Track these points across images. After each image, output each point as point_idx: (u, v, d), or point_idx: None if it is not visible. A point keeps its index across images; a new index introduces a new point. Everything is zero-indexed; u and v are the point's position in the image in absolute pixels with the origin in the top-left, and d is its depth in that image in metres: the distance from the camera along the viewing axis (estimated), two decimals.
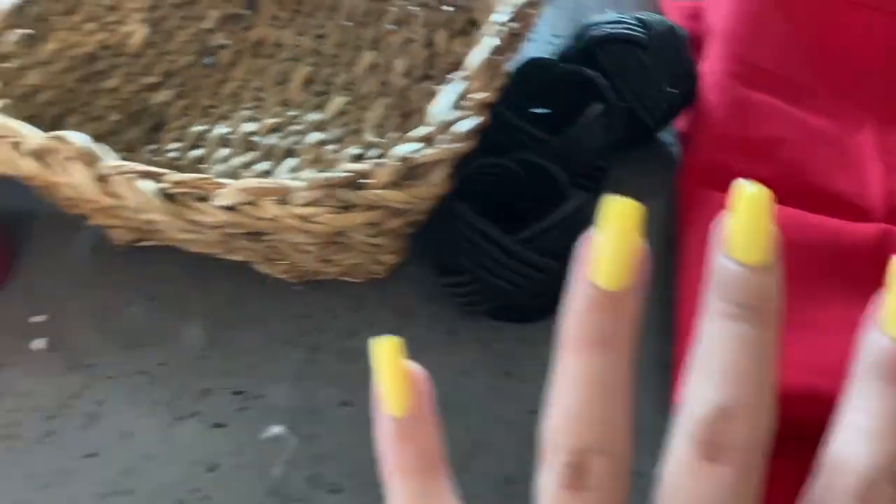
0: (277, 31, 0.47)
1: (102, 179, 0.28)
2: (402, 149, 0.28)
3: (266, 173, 0.38)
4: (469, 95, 0.30)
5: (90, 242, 0.38)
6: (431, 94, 0.42)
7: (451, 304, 0.35)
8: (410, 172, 0.28)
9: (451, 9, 0.48)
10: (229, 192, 0.27)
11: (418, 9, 0.48)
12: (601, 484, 0.17)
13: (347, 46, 0.46)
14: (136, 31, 0.41)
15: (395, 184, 0.28)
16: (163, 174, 0.28)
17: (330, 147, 0.40)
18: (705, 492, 0.17)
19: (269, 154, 0.39)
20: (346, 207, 0.27)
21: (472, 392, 0.33)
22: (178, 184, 0.28)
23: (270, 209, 0.27)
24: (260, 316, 0.35)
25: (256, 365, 0.34)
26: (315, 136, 0.40)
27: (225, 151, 0.40)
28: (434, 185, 0.28)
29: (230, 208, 0.27)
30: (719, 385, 0.17)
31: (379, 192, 0.27)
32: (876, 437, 0.16)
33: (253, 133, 0.40)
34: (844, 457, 0.17)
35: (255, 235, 0.29)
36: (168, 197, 0.28)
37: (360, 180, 0.28)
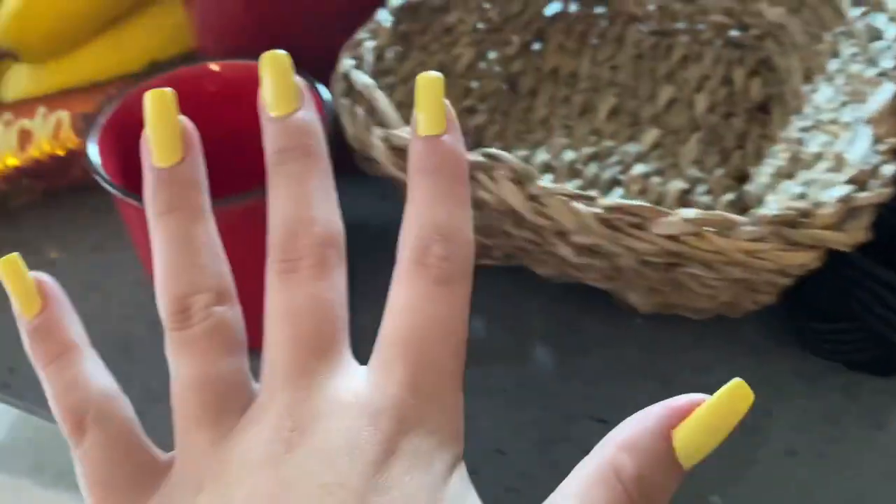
0: (570, 61, 0.47)
1: (534, 199, 0.28)
2: (837, 191, 0.28)
3: None
4: (887, 140, 0.30)
5: None
6: (743, 133, 0.42)
7: (803, 346, 0.34)
8: (848, 214, 0.27)
9: (737, 47, 0.47)
10: (675, 221, 0.27)
11: (706, 46, 0.48)
12: (204, 316, 0.19)
13: (643, 79, 0.46)
14: (464, 54, 0.42)
15: (836, 225, 0.27)
16: (594, 198, 0.28)
17: (655, 180, 0.40)
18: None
19: (594, 183, 0.40)
20: (791, 245, 0.27)
21: (842, 443, 0.32)
22: (614, 209, 0.28)
23: (716, 242, 0.27)
24: (605, 342, 0.35)
25: (613, 393, 0.34)
26: (639, 168, 0.40)
27: (549, 178, 0.40)
28: (861, 230, 0.28)
29: (672, 237, 0.27)
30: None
31: (821, 232, 0.27)
32: (417, 212, 0.20)
33: (574, 161, 0.40)
34: (403, 237, 0.20)
35: (669, 266, 0.29)
36: (604, 221, 0.28)
37: (801, 219, 0.27)
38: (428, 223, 0.20)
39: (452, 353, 0.19)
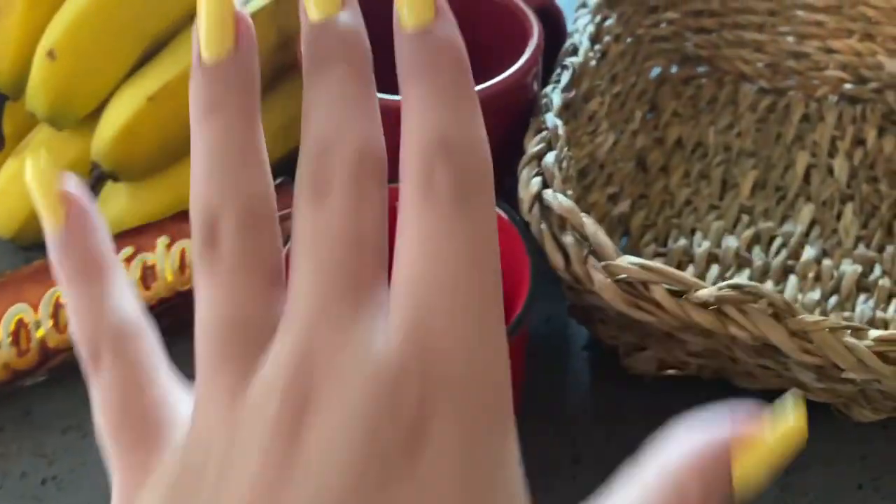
0: (691, 130, 0.45)
1: (798, 335, 0.26)
2: None
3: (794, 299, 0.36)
4: None
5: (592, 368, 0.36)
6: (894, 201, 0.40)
7: None
8: None
9: (854, 101, 0.46)
10: None
11: (823, 103, 0.46)
12: (235, 237, 0.16)
13: (771, 144, 0.44)
14: (606, 140, 0.39)
15: None
16: (865, 329, 0.26)
17: (826, 263, 0.37)
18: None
19: (766, 273, 0.37)
20: None
21: None
22: (887, 341, 0.25)
23: None
24: (819, 456, 0.33)
25: None
26: (809, 252, 0.38)
27: (715, 269, 0.37)
28: None
29: None
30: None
31: None
32: (415, 126, 0.16)
33: (738, 248, 0.38)
34: (402, 160, 0.16)
35: None
36: (878, 355, 0.25)
37: None
38: (429, 136, 0.16)
39: (481, 291, 0.15)
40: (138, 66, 0.38)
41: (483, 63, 0.33)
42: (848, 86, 0.46)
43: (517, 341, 0.28)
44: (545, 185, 0.30)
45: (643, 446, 0.33)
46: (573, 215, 0.29)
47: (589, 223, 0.28)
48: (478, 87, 0.32)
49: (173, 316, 0.37)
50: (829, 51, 0.46)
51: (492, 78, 0.33)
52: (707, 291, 0.26)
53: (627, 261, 0.27)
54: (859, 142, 0.44)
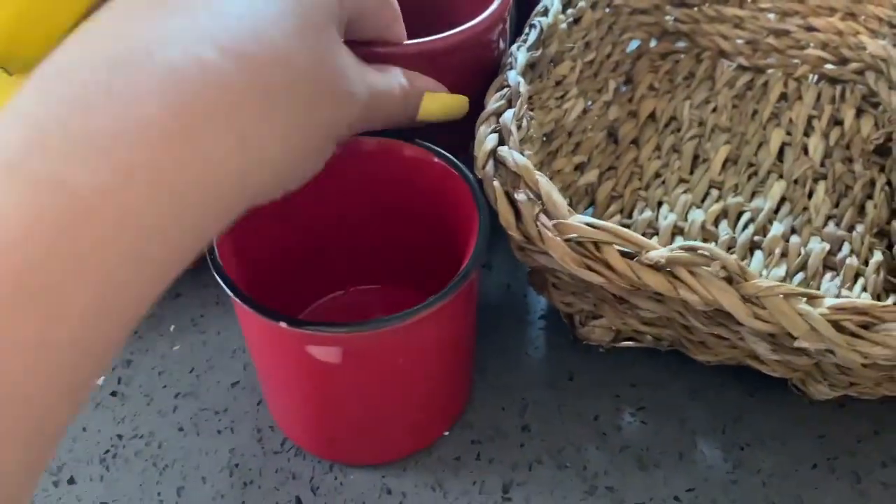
0: (666, 104, 0.44)
1: (750, 301, 0.25)
2: None
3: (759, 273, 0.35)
4: None
5: (550, 338, 0.35)
6: (871, 183, 0.39)
7: None
8: None
9: (834, 82, 0.45)
10: None
11: (803, 82, 0.45)
12: None
13: (747, 121, 0.43)
14: (575, 107, 0.38)
15: None
16: (819, 297, 0.25)
17: (794, 240, 0.36)
18: None
19: (731, 247, 0.36)
20: None
21: None
22: (842, 309, 0.24)
23: None
24: (778, 434, 0.32)
25: (800, 496, 0.30)
26: (777, 228, 0.37)
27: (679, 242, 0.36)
28: None
29: None
30: None
31: None
32: None
33: (704, 222, 0.37)
34: None
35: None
36: (832, 324, 0.24)
37: None
38: None
39: None
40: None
41: (454, 19, 0.32)
42: (829, 66, 0.45)
43: (465, 291, 0.26)
44: (501, 142, 0.29)
45: (593, 416, 0.32)
46: (527, 173, 0.27)
47: (543, 182, 0.27)
48: (438, 36, 0.31)
49: None
50: (810, 29, 0.45)
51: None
52: (658, 252, 0.25)
53: (579, 220, 0.26)
54: (836, 122, 0.43)
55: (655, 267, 0.25)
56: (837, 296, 0.34)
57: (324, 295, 0.35)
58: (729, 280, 0.25)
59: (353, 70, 0.25)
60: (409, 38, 0.30)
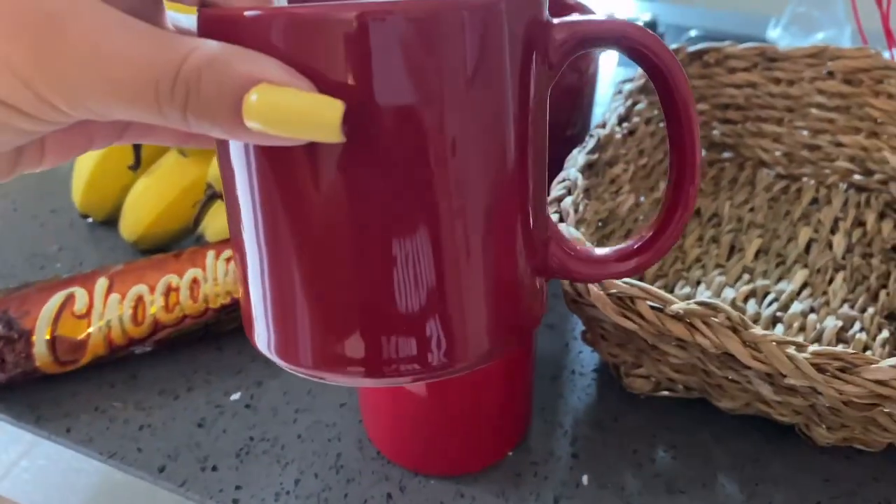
0: (710, 203, 0.52)
1: (749, 345, 0.32)
2: None
3: None
4: None
5: (605, 388, 0.42)
6: (885, 273, 0.46)
7: None
8: None
9: (861, 190, 0.52)
10: (884, 368, 0.30)
11: (833, 189, 0.52)
12: None
13: (780, 220, 0.50)
14: (627, 200, 0.46)
15: None
16: (805, 345, 0.32)
17: (811, 317, 0.43)
18: None
19: (756, 321, 0.43)
20: None
21: None
22: (823, 355, 0.31)
23: None
24: (789, 475, 0.38)
25: None
26: (796, 307, 0.43)
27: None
28: None
29: (880, 382, 0.30)
30: None
31: None
32: None
33: (734, 299, 0.44)
34: None
35: (868, 406, 0.32)
36: (814, 366, 0.31)
37: None
38: None
39: None
40: None
41: None
42: (856, 176, 0.53)
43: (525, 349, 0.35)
44: (561, 220, 0.38)
45: (632, 450, 0.39)
46: (579, 241, 0.36)
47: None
48: None
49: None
50: (839, 144, 0.53)
51: None
52: (678, 305, 0.33)
53: (619, 280, 0.34)
54: (860, 223, 0.50)
55: (677, 317, 0.33)
56: None
57: None
58: (734, 329, 0.32)
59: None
60: None
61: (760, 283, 0.45)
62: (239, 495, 0.38)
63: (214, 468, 0.39)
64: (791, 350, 0.31)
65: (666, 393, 0.40)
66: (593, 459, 0.39)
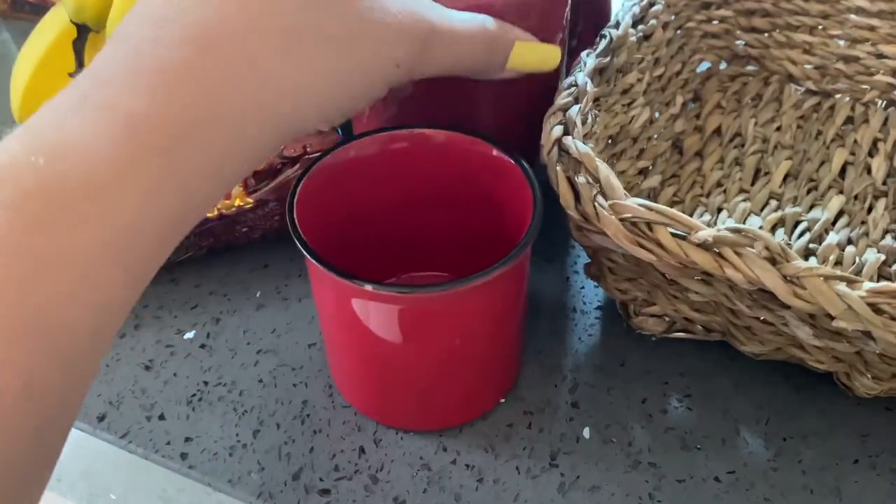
0: (731, 121, 0.46)
1: (791, 281, 0.26)
2: None
3: None
4: None
5: (608, 329, 0.37)
6: None
7: None
8: None
9: None
10: None
11: (871, 107, 0.46)
12: None
13: (811, 141, 0.44)
14: (641, 115, 0.40)
15: None
16: (858, 281, 0.26)
17: (849, 250, 0.38)
18: None
19: None
20: None
21: None
22: (881, 293, 0.26)
23: None
24: (820, 428, 0.33)
25: (839, 488, 0.31)
26: (833, 238, 0.38)
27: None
28: None
29: None
30: None
31: None
32: None
33: (760, 227, 0.39)
34: None
35: None
36: (870, 306, 0.26)
37: None
38: None
39: None
40: None
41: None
42: None
43: (520, 264, 0.29)
44: (566, 133, 0.32)
45: (640, 399, 0.34)
46: (588, 159, 0.30)
47: (602, 167, 0.30)
48: None
49: (216, 239, 0.40)
50: (880, 56, 0.46)
51: None
52: (706, 232, 0.27)
53: (634, 201, 0.29)
54: None
55: (703, 246, 0.27)
56: None
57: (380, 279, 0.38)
58: (772, 261, 0.27)
59: (400, 7, 0.26)
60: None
61: (790, 210, 0.40)
62: (188, 448, 0.33)
63: (161, 417, 0.34)
64: (842, 287, 0.26)
65: (681, 334, 0.35)
66: (596, 410, 0.34)
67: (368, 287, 0.27)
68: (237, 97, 0.22)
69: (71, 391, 0.20)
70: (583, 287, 0.39)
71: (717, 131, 0.45)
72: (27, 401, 0.18)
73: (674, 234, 0.28)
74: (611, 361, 0.36)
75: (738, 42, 0.49)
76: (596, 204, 0.29)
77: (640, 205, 0.28)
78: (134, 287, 0.21)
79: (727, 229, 0.27)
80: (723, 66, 0.49)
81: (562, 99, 0.33)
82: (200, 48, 0.22)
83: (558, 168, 0.30)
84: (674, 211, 0.28)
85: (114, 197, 0.20)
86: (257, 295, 0.39)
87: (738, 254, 0.27)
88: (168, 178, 0.21)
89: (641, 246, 0.28)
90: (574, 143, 0.31)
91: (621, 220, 0.29)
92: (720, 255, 0.27)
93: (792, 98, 0.47)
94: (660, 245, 0.28)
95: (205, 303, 0.39)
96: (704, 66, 0.49)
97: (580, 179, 0.30)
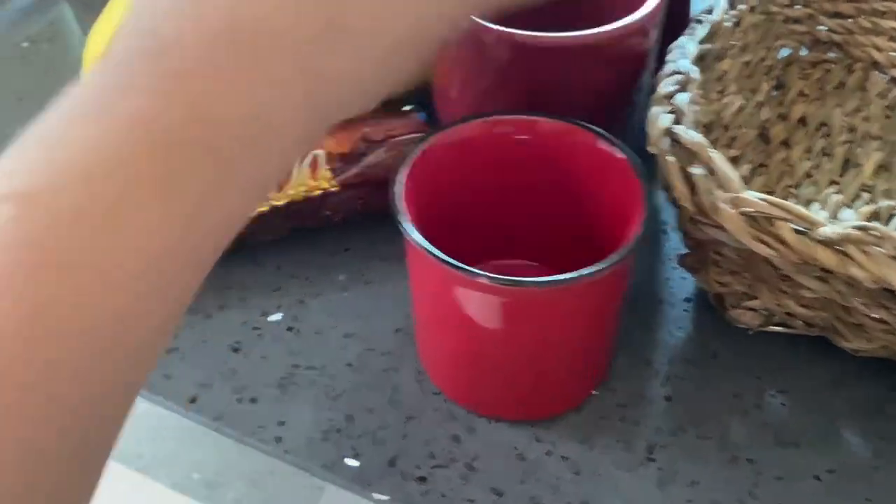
0: (816, 110, 0.45)
1: None
2: None
3: None
4: None
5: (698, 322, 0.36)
6: None
7: None
8: None
9: None
10: None
11: None
12: None
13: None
14: (733, 103, 0.39)
15: None
16: None
17: None
18: None
19: None
20: None
21: None
22: None
23: None
24: None
25: None
26: None
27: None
28: None
29: None
30: None
31: None
32: None
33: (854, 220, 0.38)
34: None
35: None
36: None
37: None
38: None
39: None
40: None
41: (604, 8, 0.34)
42: None
43: (628, 261, 0.29)
44: (676, 122, 0.31)
45: (733, 394, 0.34)
46: (702, 150, 0.29)
47: (717, 157, 0.29)
48: (602, 29, 0.33)
49: (300, 220, 0.39)
50: None
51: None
52: (831, 229, 0.27)
53: (754, 195, 0.28)
54: None
55: (827, 243, 0.27)
56: None
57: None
58: None
59: None
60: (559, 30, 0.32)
61: (885, 203, 0.39)
62: (282, 432, 0.33)
63: (253, 400, 0.34)
64: None
65: (779, 329, 0.35)
66: (689, 403, 0.34)
67: (483, 280, 0.27)
68: (280, 91, 0.21)
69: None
70: (668, 278, 0.39)
71: (803, 120, 0.44)
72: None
73: (796, 230, 0.27)
74: (702, 354, 0.35)
75: (819, 27, 0.48)
76: (715, 197, 0.28)
77: (761, 199, 0.28)
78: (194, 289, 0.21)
79: (854, 226, 0.27)
80: (803, 52, 0.48)
81: (667, 86, 0.32)
82: (235, 43, 0.21)
83: (670, 159, 0.30)
84: (795, 206, 0.27)
85: (171, 206, 0.19)
86: (340, 278, 0.39)
87: (864, 252, 0.26)
88: (223, 179, 0.21)
89: (762, 241, 0.28)
90: (686, 133, 0.30)
91: (741, 213, 0.28)
92: (844, 252, 0.27)
93: (877, 86, 0.46)
94: (781, 241, 0.27)
95: (287, 286, 0.38)
96: (784, 52, 0.48)
97: (696, 171, 0.29)
